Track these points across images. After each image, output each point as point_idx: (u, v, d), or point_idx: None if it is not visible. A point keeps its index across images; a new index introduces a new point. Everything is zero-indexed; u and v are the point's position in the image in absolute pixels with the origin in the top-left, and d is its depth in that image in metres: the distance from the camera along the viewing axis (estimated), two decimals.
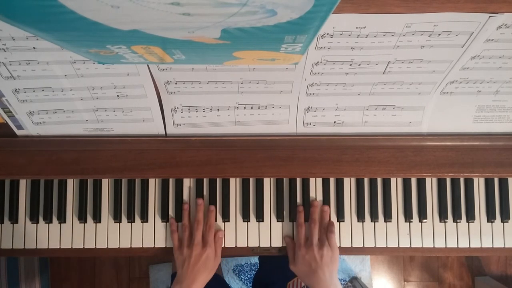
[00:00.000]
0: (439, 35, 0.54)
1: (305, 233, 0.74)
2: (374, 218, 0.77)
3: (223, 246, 0.77)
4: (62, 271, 1.55)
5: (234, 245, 0.78)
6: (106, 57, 0.45)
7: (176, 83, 0.65)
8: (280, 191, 0.78)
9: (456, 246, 0.77)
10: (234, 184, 0.79)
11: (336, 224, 0.78)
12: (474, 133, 0.72)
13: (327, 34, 0.54)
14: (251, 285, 1.48)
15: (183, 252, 0.72)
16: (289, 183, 0.79)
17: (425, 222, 0.77)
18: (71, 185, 0.79)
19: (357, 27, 0.53)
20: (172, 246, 0.77)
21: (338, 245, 0.77)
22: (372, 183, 0.78)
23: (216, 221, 0.78)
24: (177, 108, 0.69)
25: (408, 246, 0.77)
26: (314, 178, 0.78)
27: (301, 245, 0.72)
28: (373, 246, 0.77)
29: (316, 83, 0.64)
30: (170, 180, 0.79)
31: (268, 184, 0.79)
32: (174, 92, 0.67)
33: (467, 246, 0.77)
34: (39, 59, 0.60)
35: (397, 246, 0.77)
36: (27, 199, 0.79)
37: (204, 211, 0.77)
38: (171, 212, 0.78)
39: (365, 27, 0.53)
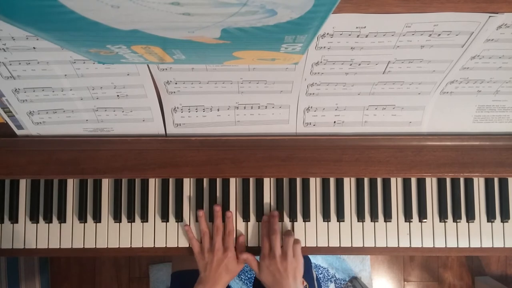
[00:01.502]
0: (439, 35, 0.54)
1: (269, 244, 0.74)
2: (374, 218, 0.77)
3: None
4: (62, 271, 1.55)
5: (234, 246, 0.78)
6: (106, 57, 0.45)
7: (176, 83, 0.65)
8: (280, 191, 0.78)
9: (456, 246, 0.77)
10: (234, 184, 0.79)
11: (336, 224, 0.78)
12: (474, 133, 0.72)
13: (327, 34, 0.54)
14: (251, 285, 1.48)
15: (204, 256, 0.73)
16: (289, 183, 0.79)
17: (425, 222, 0.78)
18: (71, 185, 0.79)
19: (357, 27, 0.53)
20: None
21: (338, 245, 0.77)
22: (372, 183, 0.78)
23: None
24: (177, 108, 0.69)
25: (408, 246, 0.77)
26: (314, 178, 0.78)
27: (265, 255, 0.72)
28: (373, 246, 0.77)
29: (316, 83, 0.64)
30: (170, 180, 0.79)
31: (268, 184, 0.79)
32: (174, 92, 0.67)
33: (467, 246, 0.77)
34: (39, 59, 0.60)
35: (397, 246, 0.77)
36: (27, 199, 0.79)
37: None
38: (171, 212, 0.78)
39: (365, 27, 0.53)
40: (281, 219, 0.78)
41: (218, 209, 0.76)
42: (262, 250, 0.74)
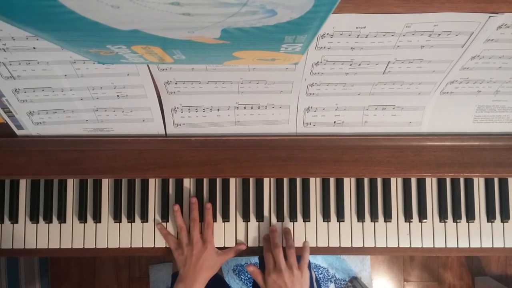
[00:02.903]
0: (439, 35, 0.54)
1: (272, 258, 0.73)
2: (374, 218, 0.77)
3: (222, 246, 0.77)
4: (62, 271, 1.55)
5: (234, 245, 0.78)
6: (106, 57, 0.45)
7: (176, 83, 0.65)
8: (280, 191, 0.78)
9: (456, 246, 0.77)
10: (234, 184, 0.79)
11: (336, 224, 0.78)
12: (474, 133, 0.72)
13: (327, 34, 0.54)
14: (251, 285, 1.48)
15: (183, 251, 0.73)
16: (289, 183, 0.79)
17: (425, 222, 0.78)
18: (71, 185, 0.79)
19: (357, 27, 0.53)
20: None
21: (338, 245, 0.77)
22: (372, 183, 0.78)
23: (216, 221, 0.78)
24: (177, 108, 0.69)
25: (408, 246, 0.77)
26: (314, 178, 0.78)
27: (270, 270, 0.71)
28: (373, 246, 0.77)
29: (316, 83, 0.64)
30: (170, 180, 0.79)
31: (268, 184, 0.79)
32: (174, 92, 0.67)
33: (467, 246, 0.77)
34: (39, 59, 0.60)
35: (397, 246, 0.77)
36: (27, 199, 0.79)
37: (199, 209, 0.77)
38: (171, 212, 0.78)
39: (365, 27, 0.53)
40: (281, 219, 0.78)
41: (194, 200, 0.75)
42: (266, 265, 0.73)
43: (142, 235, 0.78)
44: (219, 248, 0.77)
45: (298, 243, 0.76)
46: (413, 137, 0.71)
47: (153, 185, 0.79)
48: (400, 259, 1.56)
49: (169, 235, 0.76)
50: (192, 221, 0.75)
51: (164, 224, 0.78)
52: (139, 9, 0.29)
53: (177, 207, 0.76)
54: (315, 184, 0.79)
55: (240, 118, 0.70)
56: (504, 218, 0.77)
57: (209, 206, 0.76)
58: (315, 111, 0.69)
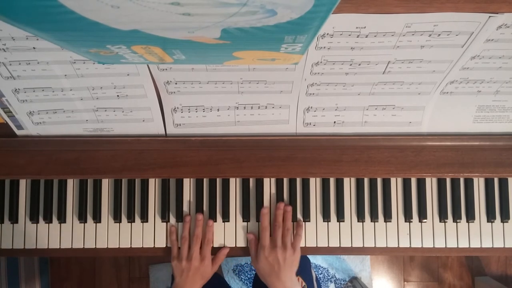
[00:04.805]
0: (439, 35, 0.54)
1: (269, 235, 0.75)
2: (374, 218, 0.77)
3: (222, 246, 0.78)
4: (62, 271, 1.55)
5: (234, 245, 0.78)
6: (106, 57, 0.45)
7: (176, 83, 0.65)
8: (280, 191, 0.78)
9: (456, 246, 0.77)
10: (234, 184, 0.79)
11: (336, 224, 0.78)
12: (474, 133, 0.72)
13: (327, 34, 0.54)
14: (251, 285, 1.48)
15: (181, 263, 0.74)
16: (289, 183, 0.79)
17: (425, 222, 0.77)
18: (71, 185, 0.79)
19: (357, 27, 0.53)
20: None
21: (338, 245, 0.77)
22: (372, 183, 0.78)
23: (216, 221, 0.78)
24: (177, 108, 0.69)
25: (408, 246, 0.77)
26: (314, 178, 0.78)
27: (265, 246, 0.73)
28: (373, 246, 0.77)
29: (316, 83, 0.64)
30: (170, 180, 0.79)
31: (268, 184, 0.79)
32: (174, 92, 0.67)
33: (467, 246, 0.77)
34: (39, 59, 0.60)
35: (397, 246, 0.77)
36: (27, 199, 0.79)
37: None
38: (171, 212, 0.78)
39: (365, 27, 0.53)
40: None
41: (200, 218, 0.77)
42: (261, 240, 0.74)
43: (142, 235, 0.78)
44: (219, 248, 0.77)
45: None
46: (413, 137, 0.71)
47: (153, 185, 0.79)
48: (400, 259, 1.56)
49: (175, 242, 0.77)
50: (195, 238, 0.75)
51: (164, 224, 0.78)
52: (139, 9, 0.29)
53: (188, 218, 0.77)
54: (315, 184, 0.79)
55: (240, 118, 0.70)
56: (504, 218, 0.77)
57: (211, 223, 0.77)
58: (315, 111, 0.69)
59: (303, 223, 0.77)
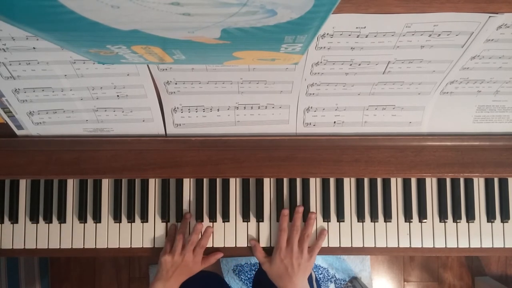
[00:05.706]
0: (439, 35, 0.54)
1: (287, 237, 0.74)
2: (374, 218, 0.77)
3: (222, 246, 0.78)
4: (62, 271, 1.55)
5: (234, 245, 0.78)
6: (106, 57, 0.45)
7: (176, 83, 0.65)
8: (280, 191, 0.78)
9: (456, 246, 0.77)
10: (234, 184, 0.79)
11: (336, 224, 0.78)
12: (474, 133, 0.72)
13: (327, 34, 0.54)
14: (251, 285, 1.48)
15: (173, 257, 0.73)
16: (289, 183, 0.79)
17: (425, 222, 0.77)
18: (71, 185, 0.79)
19: (357, 27, 0.53)
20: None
21: (338, 245, 0.77)
22: (372, 183, 0.78)
23: (216, 221, 0.78)
24: (177, 108, 0.69)
25: (408, 246, 0.77)
26: (314, 178, 0.78)
27: (281, 248, 0.73)
28: (373, 246, 0.77)
29: (316, 83, 0.64)
30: (170, 180, 0.79)
31: (268, 184, 0.79)
32: (174, 92, 0.67)
33: (467, 246, 0.77)
34: (39, 59, 0.60)
35: (397, 246, 0.77)
36: (27, 199, 0.79)
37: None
38: (171, 212, 0.78)
39: (365, 27, 0.53)
40: None
41: (200, 227, 0.77)
42: (278, 242, 0.74)
43: (142, 235, 0.78)
44: (218, 248, 0.78)
45: None
46: (413, 137, 0.71)
47: (153, 185, 0.79)
48: (400, 259, 1.56)
49: (171, 239, 0.76)
50: (191, 242, 0.75)
51: (164, 224, 0.78)
52: (139, 9, 0.29)
53: (188, 215, 0.77)
54: (315, 184, 0.79)
55: (240, 118, 0.70)
56: (504, 218, 0.77)
57: (209, 232, 0.77)
58: (315, 111, 0.69)
59: (326, 232, 0.77)
